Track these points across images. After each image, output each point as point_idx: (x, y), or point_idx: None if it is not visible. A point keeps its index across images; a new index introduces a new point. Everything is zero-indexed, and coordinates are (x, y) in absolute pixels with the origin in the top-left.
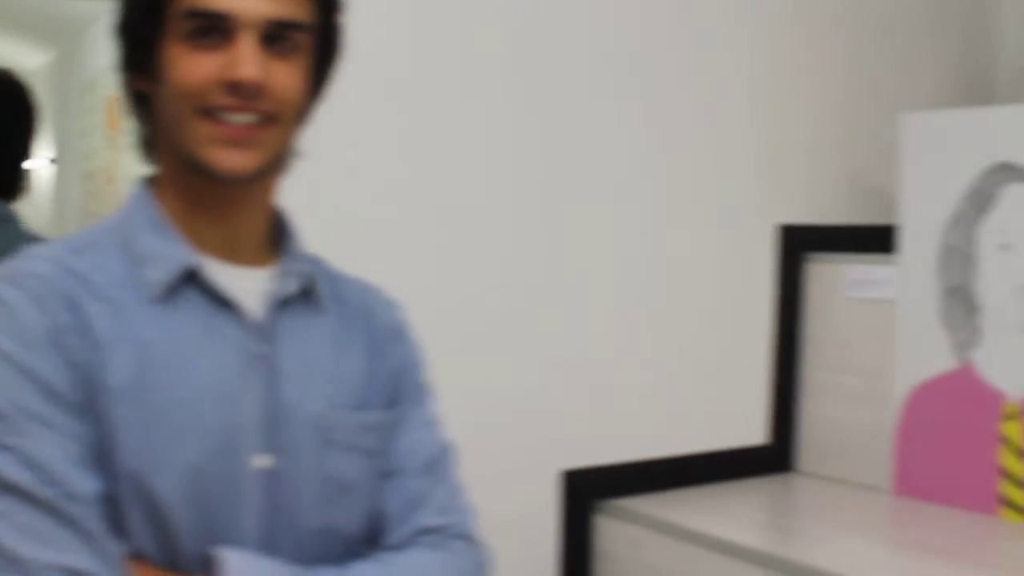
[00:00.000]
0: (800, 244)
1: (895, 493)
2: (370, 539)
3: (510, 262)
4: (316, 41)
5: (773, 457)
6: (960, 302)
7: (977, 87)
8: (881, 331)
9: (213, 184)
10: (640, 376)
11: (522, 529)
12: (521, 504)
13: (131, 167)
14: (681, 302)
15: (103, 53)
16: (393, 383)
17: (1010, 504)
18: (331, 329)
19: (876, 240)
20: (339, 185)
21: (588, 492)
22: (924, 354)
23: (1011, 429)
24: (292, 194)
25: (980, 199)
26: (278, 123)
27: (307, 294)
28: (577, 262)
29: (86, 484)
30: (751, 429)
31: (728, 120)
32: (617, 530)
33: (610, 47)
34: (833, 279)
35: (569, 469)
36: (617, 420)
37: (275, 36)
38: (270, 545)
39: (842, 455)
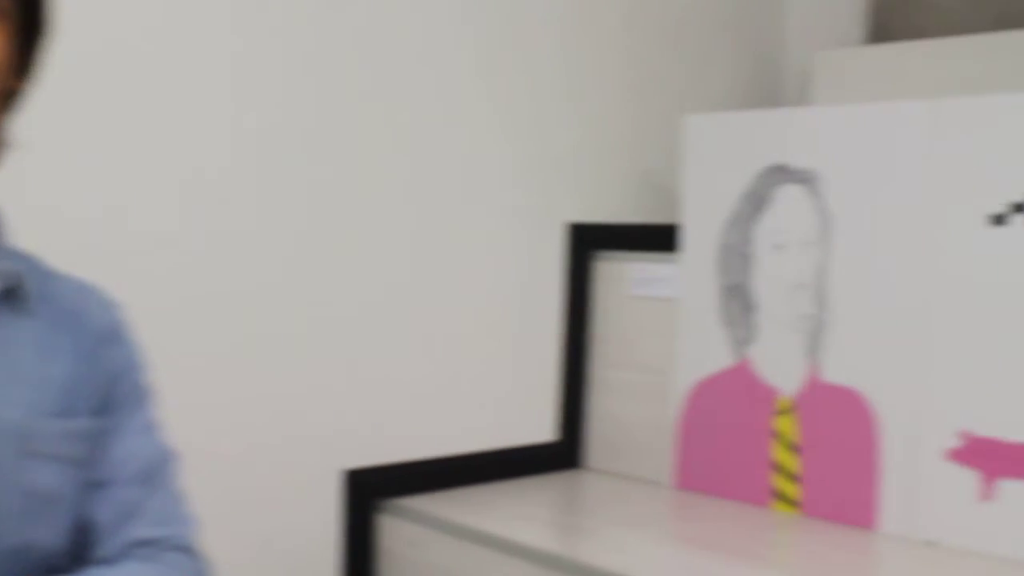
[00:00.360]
0: (588, 242)
1: (677, 487)
2: (77, 554)
3: (289, 258)
4: (18, 8)
5: (562, 454)
6: (738, 300)
7: (766, 89)
8: (664, 329)
9: None
10: (429, 374)
11: (303, 530)
12: (303, 505)
13: None
14: (470, 299)
15: None
16: (106, 388)
17: (782, 497)
18: (36, 332)
19: (661, 239)
20: (61, 175)
21: (371, 491)
22: (704, 351)
23: (783, 424)
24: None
25: (756, 200)
26: None
27: (10, 294)
28: (362, 258)
29: None
30: (541, 426)
31: (518, 119)
32: (400, 530)
33: (398, 42)
34: (619, 277)
35: (351, 468)
36: (404, 418)
37: None
38: None
39: (628, 451)
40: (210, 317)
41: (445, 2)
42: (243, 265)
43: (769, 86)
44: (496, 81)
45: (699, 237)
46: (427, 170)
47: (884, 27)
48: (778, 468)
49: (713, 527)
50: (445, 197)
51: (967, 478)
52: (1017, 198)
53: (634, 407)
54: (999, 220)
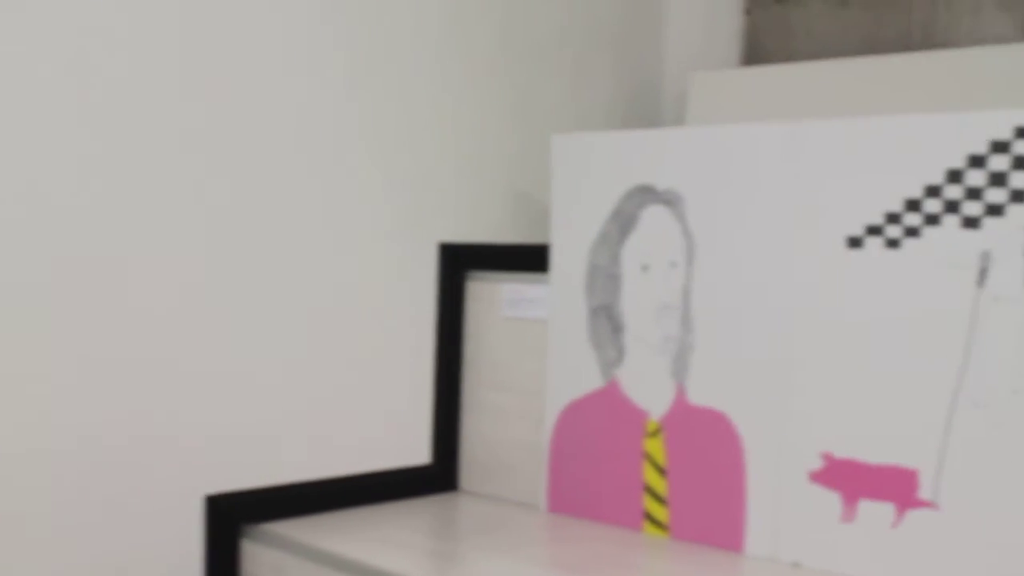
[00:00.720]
0: (461, 262)
1: (549, 510)
2: None
3: (154, 279)
4: None
5: (436, 477)
6: (606, 321)
7: (644, 109)
8: (536, 350)
9: None
10: (301, 395)
11: (164, 557)
12: (163, 531)
13: None
14: (340, 320)
15: None
16: None
17: (652, 519)
18: None
19: (534, 259)
20: None
21: (235, 517)
22: (574, 373)
23: (652, 446)
24: None
25: (623, 220)
26: None
27: None
28: (224, 277)
29: None
30: (415, 449)
31: (389, 135)
32: (264, 556)
33: (264, 53)
34: (492, 298)
35: (214, 493)
36: (272, 442)
37: None
38: None
39: (502, 473)
40: (63, 334)
41: (312, 13)
42: (105, 287)
43: (647, 106)
44: (366, 96)
45: (567, 258)
46: (292, 187)
47: (759, 49)
48: (649, 490)
49: (582, 551)
50: (311, 215)
51: (829, 500)
52: (873, 220)
53: (508, 429)
54: (855, 243)
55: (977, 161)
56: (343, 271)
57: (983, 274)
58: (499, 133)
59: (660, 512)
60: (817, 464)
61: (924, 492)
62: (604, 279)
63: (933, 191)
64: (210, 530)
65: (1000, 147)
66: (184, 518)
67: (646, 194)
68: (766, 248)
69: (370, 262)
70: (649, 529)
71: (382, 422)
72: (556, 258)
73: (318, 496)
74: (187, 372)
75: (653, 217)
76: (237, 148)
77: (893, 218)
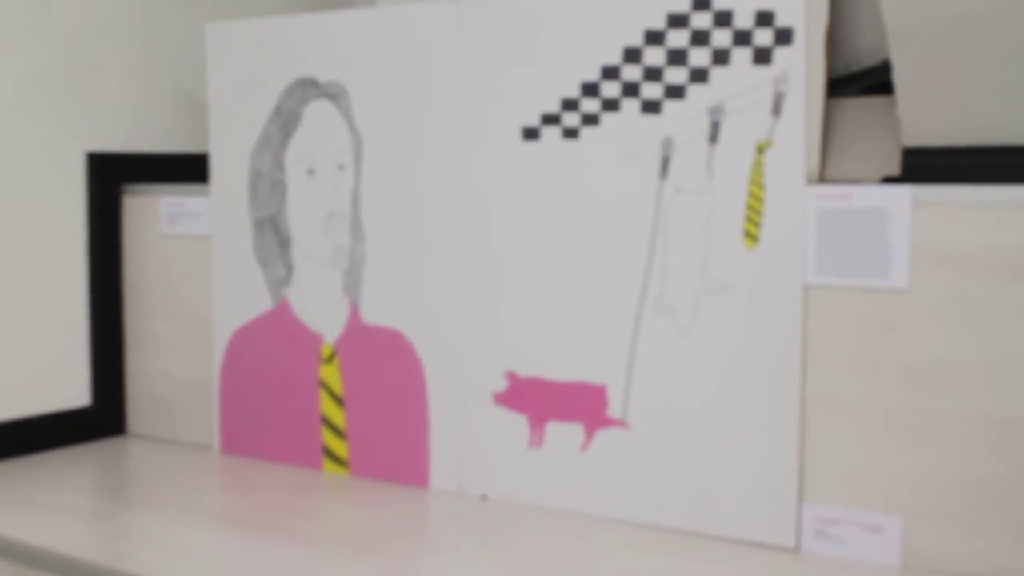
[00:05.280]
0: (113, 175)
1: (225, 452)
2: None
3: None
4: None
5: (99, 420)
6: (272, 234)
7: None
8: (201, 271)
9: None
10: None
11: None
12: None
13: None
14: None
15: None
16: None
17: (332, 456)
18: None
19: (196, 169)
20: None
21: None
22: (242, 295)
23: (328, 374)
24: None
25: (284, 119)
26: None
27: None
28: None
29: None
30: (72, 389)
31: (22, 25)
32: None
33: None
34: (151, 214)
35: None
36: None
37: None
38: None
39: (174, 413)
40: None
41: None
42: None
43: None
44: None
45: (227, 165)
46: None
47: None
48: (327, 423)
49: (253, 499)
50: None
51: (517, 423)
52: (550, 108)
53: (177, 362)
54: (531, 134)
55: (655, 37)
56: None
57: (665, 164)
58: (161, 22)
59: (340, 447)
60: (502, 385)
61: (613, 410)
62: (268, 187)
63: (611, 72)
64: None
65: (678, 21)
66: None
67: (308, 88)
68: (438, 145)
69: (4, 178)
70: (329, 467)
71: (29, 360)
72: (216, 165)
73: None
74: None
75: (317, 114)
76: None
77: (570, 104)
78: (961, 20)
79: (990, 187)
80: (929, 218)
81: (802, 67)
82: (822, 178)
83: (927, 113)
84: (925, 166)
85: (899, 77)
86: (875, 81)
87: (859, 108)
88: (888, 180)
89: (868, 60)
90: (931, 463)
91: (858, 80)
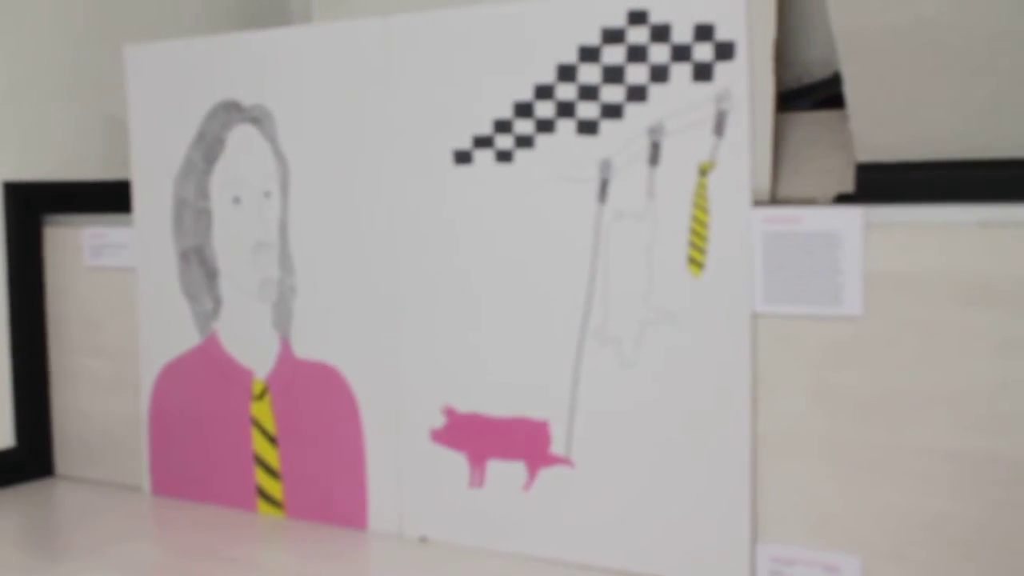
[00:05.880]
0: (33, 204)
1: (154, 493)
2: None
3: None
4: None
5: (24, 462)
6: (198, 266)
7: (260, 7)
8: (128, 304)
9: None
10: None
11: None
12: None
13: None
14: None
15: None
16: None
17: (266, 497)
18: None
19: (120, 198)
20: None
21: None
22: (169, 329)
23: (260, 411)
24: None
25: (208, 144)
26: None
27: None
28: None
29: None
30: None
31: None
32: None
33: None
34: (74, 246)
35: None
36: None
37: None
38: None
39: (101, 453)
40: None
41: None
42: None
43: (262, 4)
44: None
45: (151, 194)
46: None
47: None
48: (260, 463)
49: (182, 543)
50: None
51: (456, 462)
52: (481, 130)
53: (104, 400)
54: (463, 158)
55: (590, 53)
56: None
57: (603, 187)
58: (81, 44)
59: (274, 488)
60: (440, 421)
61: (556, 446)
62: (192, 216)
63: (545, 91)
64: None
65: (614, 36)
66: None
67: (231, 112)
68: (367, 170)
69: None
70: (264, 508)
71: None
72: (138, 194)
73: None
74: None
75: (240, 139)
76: None
77: (503, 126)
78: (911, 29)
79: (947, 207)
80: (883, 241)
81: (745, 83)
82: (773, 197)
83: (879, 127)
84: (880, 182)
85: (850, 89)
86: (827, 94)
87: (811, 123)
88: (842, 198)
89: (820, 72)
90: (890, 499)
91: (810, 93)
